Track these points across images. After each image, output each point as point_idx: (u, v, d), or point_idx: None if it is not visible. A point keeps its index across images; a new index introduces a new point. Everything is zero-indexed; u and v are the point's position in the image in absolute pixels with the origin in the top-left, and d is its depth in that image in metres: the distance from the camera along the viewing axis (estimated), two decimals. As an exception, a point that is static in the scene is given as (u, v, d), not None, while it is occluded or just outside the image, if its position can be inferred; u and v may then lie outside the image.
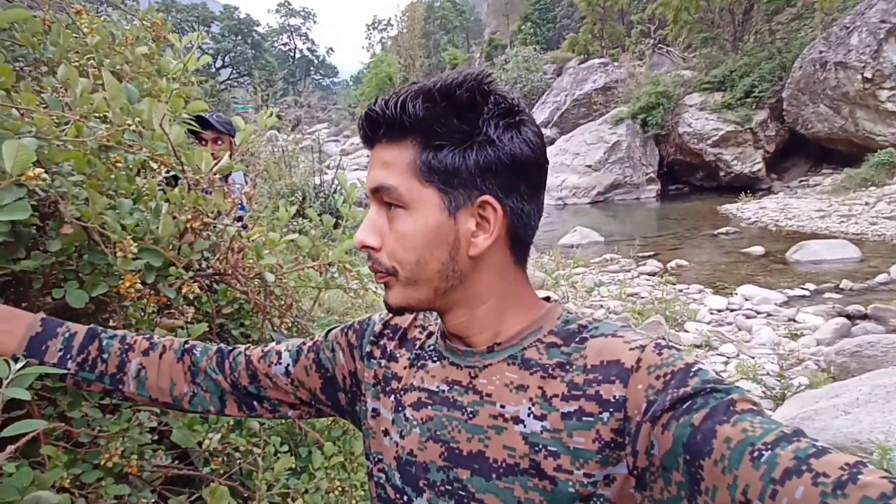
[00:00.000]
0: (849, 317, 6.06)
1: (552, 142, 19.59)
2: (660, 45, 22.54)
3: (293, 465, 1.25)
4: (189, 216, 0.96)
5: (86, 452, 0.86)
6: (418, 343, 0.71)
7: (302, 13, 64.05)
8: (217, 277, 1.17)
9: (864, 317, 6.09)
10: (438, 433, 0.62)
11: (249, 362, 0.78)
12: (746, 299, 6.96)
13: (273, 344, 0.81)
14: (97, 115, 0.86)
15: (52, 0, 1.53)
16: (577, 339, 0.59)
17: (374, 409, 0.70)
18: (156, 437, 1.09)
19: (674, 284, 7.59)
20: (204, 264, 1.19)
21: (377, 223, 0.61)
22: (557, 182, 17.42)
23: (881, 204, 11.25)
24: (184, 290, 0.96)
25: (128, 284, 0.89)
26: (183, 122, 1.31)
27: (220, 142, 2.37)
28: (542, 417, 0.56)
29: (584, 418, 0.54)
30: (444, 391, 0.64)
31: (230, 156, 2.04)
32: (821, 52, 14.25)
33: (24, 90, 0.91)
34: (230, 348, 0.81)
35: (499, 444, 0.58)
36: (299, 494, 1.21)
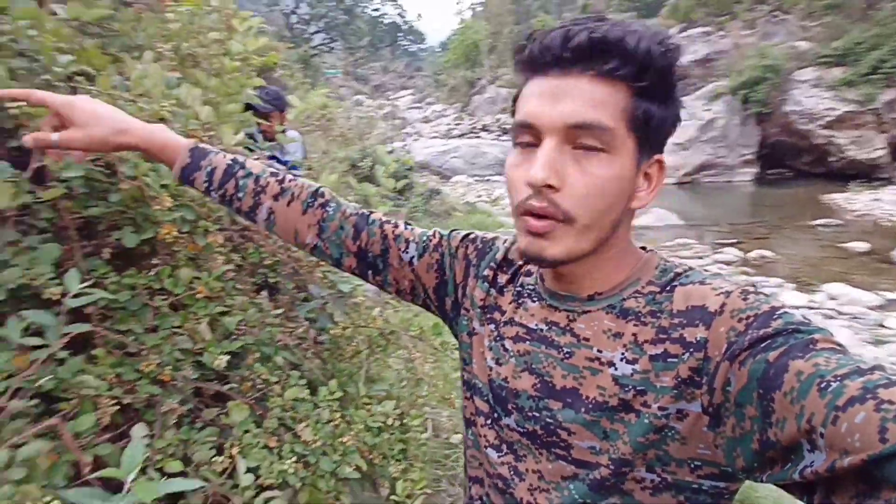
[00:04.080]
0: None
1: (641, 117, 18.57)
2: (776, 11, 20.45)
3: (302, 396, 1.49)
4: (216, 180, 1.18)
5: (128, 356, 1.12)
6: (522, 281, 0.74)
7: (395, -22, 64.19)
8: (244, 230, 1.40)
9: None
10: (534, 366, 0.66)
11: (385, 238, 0.81)
12: (831, 298, 6.48)
13: (403, 228, 0.83)
14: (146, 96, 1.08)
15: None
16: (668, 288, 0.61)
17: (474, 330, 0.74)
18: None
19: (750, 276, 7.20)
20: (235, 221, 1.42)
21: (558, 160, 0.57)
22: (642, 160, 16.60)
23: None
24: (208, 240, 1.19)
25: (165, 231, 1.13)
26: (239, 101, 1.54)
27: (270, 118, 2.71)
28: (633, 361, 0.58)
29: (668, 360, 0.56)
30: (542, 329, 0.67)
31: (280, 125, 2.29)
32: (970, 23, 12.36)
33: (103, 78, 1.15)
34: (369, 213, 0.84)
35: (593, 383, 0.61)
36: (305, 418, 1.44)
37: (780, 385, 0.44)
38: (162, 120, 1.13)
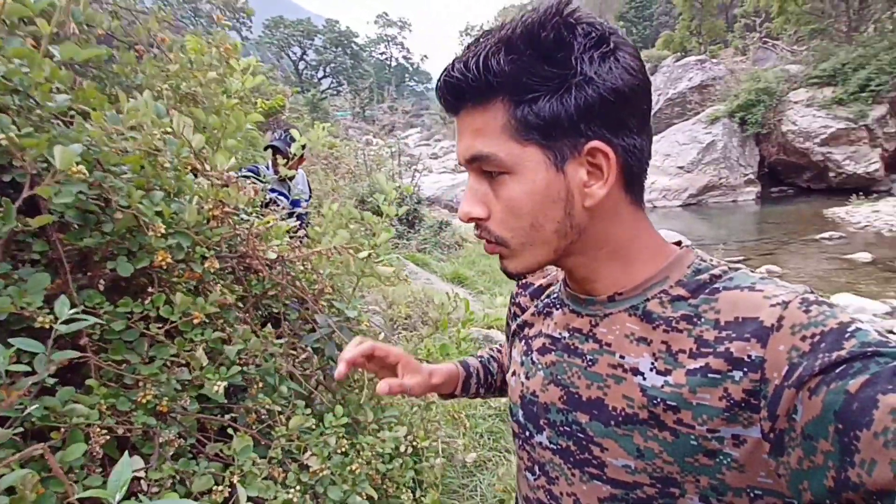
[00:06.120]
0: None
1: (640, 143, 18.87)
2: (766, 38, 20.93)
3: (309, 424, 1.45)
4: (210, 205, 1.18)
5: (125, 388, 1.10)
6: (546, 292, 0.73)
7: (398, 23, 66.55)
8: (242, 259, 1.39)
9: None
10: (559, 377, 0.64)
11: (501, 365, 0.98)
12: (843, 311, 6.41)
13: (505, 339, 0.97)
14: (138, 128, 1.10)
15: (147, 36, 1.86)
16: (707, 291, 0.55)
17: (513, 356, 0.75)
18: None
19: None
20: (233, 249, 1.41)
21: (479, 192, 0.58)
22: (647, 184, 16.70)
23: None
24: (206, 265, 1.18)
25: (160, 258, 1.12)
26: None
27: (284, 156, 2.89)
28: (665, 373, 0.54)
29: (709, 375, 0.51)
30: (565, 338, 0.65)
31: (286, 164, 2.36)
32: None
33: (97, 115, 1.17)
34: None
35: (618, 393, 0.57)
36: (310, 447, 1.40)
37: (868, 423, 0.39)
38: (156, 150, 1.14)
